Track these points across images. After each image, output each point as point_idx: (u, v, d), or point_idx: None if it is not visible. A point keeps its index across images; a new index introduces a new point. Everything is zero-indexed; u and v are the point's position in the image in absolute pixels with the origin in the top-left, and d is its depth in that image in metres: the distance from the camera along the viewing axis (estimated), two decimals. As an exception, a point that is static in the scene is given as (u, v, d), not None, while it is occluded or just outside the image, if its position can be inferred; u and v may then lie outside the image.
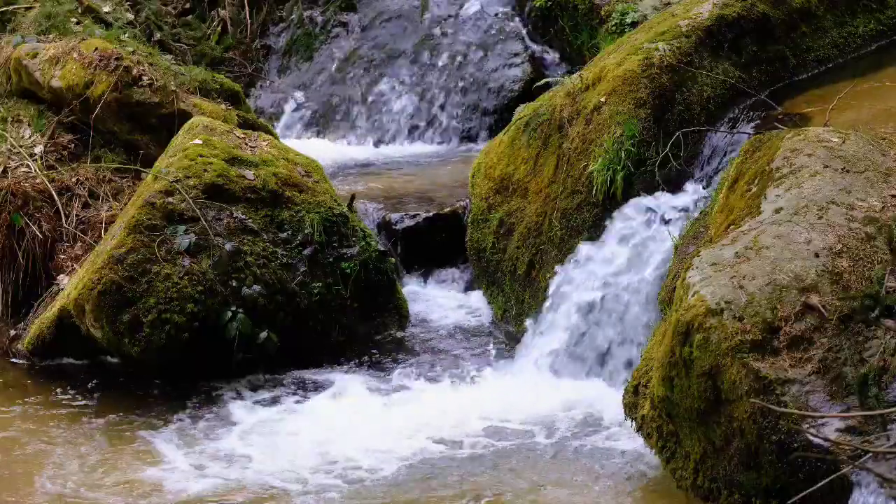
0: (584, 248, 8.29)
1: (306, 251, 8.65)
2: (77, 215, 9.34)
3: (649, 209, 8.21)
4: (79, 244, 9.23)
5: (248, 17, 12.41)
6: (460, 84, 11.58)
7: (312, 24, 12.36)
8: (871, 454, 5.87)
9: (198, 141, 8.82)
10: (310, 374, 8.42)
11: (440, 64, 11.73)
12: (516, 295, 8.88)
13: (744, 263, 6.52)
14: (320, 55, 12.22)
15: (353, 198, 9.27)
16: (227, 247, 8.39)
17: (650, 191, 8.29)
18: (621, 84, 8.52)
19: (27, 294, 9.19)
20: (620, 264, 8.12)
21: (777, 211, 6.80)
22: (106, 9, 11.48)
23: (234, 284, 8.35)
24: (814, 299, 6.35)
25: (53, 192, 9.36)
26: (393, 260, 9.07)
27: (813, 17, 9.11)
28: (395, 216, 9.59)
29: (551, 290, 8.35)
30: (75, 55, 9.82)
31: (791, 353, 6.24)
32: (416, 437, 7.57)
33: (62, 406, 8.17)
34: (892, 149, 7.16)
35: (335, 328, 8.72)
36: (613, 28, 10.53)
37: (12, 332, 9.01)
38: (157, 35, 11.82)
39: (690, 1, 9.13)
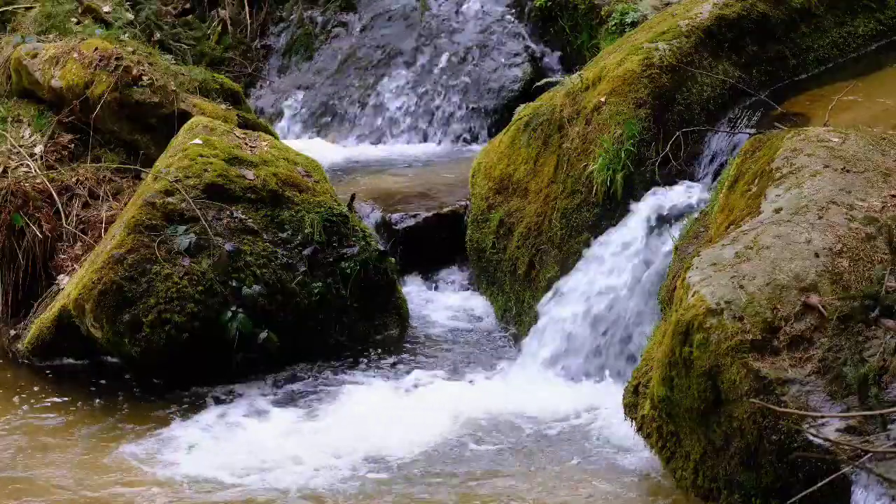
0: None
1: (306, 251, 8.65)
2: (77, 215, 9.34)
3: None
4: (79, 244, 9.22)
5: (248, 17, 12.41)
6: (460, 84, 11.58)
7: (312, 24, 12.36)
8: (871, 454, 5.87)
9: (198, 141, 8.82)
10: (309, 374, 8.42)
11: (440, 64, 11.73)
12: (516, 295, 8.88)
13: (744, 263, 6.52)
14: (320, 55, 12.22)
15: (353, 198, 9.27)
16: (227, 247, 8.39)
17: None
18: (621, 84, 8.53)
19: (27, 294, 9.19)
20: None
21: (777, 211, 6.81)
22: (106, 9, 11.48)
23: (234, 284, 8.35)
24: (814, 299, 6.35)
25: (53, 192, 9.36)
26: (393, 260, 9.07)
27: (813, 17, 9.12)
28: (395, 216, 9.59)
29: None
30: (75, 55, 9.83)
31: (791, 353, 6.24)
32: (413, 437, 7.57)
33: (60, 406, 8.16)
34: (892, 149, 7.16)
35: (335, 328, 8.72)
36: (613, 28, 10.54)
37: (12, 332, 9.00)
38: (157, 35, 11.82)
39: (690, 1, 9.13)
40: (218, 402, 8.11)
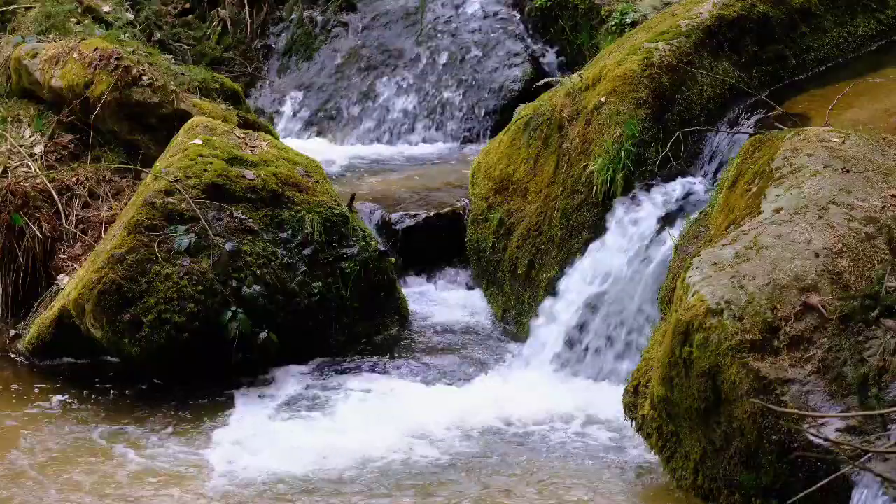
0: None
1: (306, 251, 8.65)
2: (77, 215, 9.34)
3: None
4: (79, 244, 9.23)
5: (248, 17, 12.41)
6: (460, 84, 11.58)
7: (312, 24, 12.36)
8: (871, 454, 5.87)
9: (198, 141, 8.82)
10: (309, 374, 8.42)
11: (440, 64, 11.73)
12: (516, 295, 8.88)
13: (744, 263, 6.52)
14: (320, 55, 12.22)
15: (353, 198, 9.27)
16: (227, 247, 8.39)
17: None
18: (621, 84, 8.53)
19: (27, 294, 9.19)
20: None
21: (777, 211, 6.81)
22: (106, 9, 11.48)
23: (234, 284, 8.34)
24: (814, 299, 6.35)
25: (53, 192, 9.36)
26: (393, 260, 9.07)
27: (813, 17, 9.12)
28: (395, 216, 9.59)
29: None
30: (75, 55, 9.82)
31: (791, 353, 6.24)
32: (414, 438, 7.57)
33: (59, 406, 8.16)
34: (892, 149, 7.16)
35: (335, 328, 8.72)
36: (613, 28, 10.54)
37: (12, 332, 9.01)
38: (157, 35, 11.82)
39: (690, 1, 9.13)
40: (218, 401, 8.13)
